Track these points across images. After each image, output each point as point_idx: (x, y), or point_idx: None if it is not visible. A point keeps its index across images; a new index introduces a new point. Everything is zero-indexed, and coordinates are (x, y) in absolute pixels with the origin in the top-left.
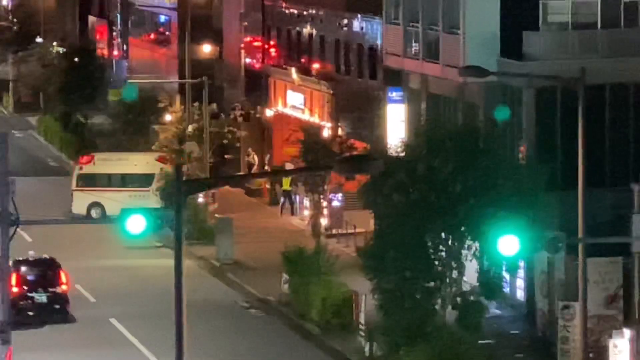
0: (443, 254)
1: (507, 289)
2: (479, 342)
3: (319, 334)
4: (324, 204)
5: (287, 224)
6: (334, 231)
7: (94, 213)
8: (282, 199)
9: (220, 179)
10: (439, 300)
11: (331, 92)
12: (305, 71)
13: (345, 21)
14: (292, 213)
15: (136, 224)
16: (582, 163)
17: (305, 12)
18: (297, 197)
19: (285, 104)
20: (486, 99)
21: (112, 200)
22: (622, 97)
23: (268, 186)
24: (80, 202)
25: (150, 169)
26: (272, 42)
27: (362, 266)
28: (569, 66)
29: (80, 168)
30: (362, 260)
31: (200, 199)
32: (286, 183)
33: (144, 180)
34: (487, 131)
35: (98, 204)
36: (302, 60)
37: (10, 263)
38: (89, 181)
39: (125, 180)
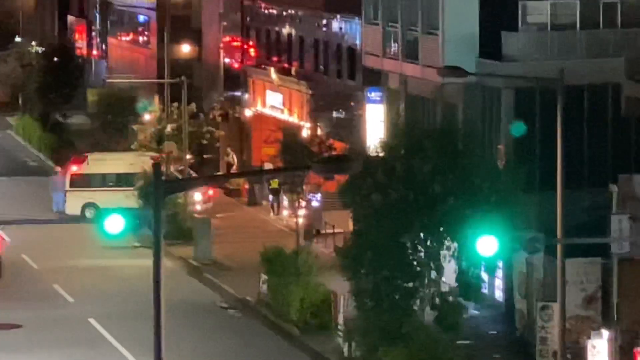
0: (421, 254)
1: (485, 290)
2: (458, 342)
3: (297, 334)
4: (303, 204)
5: (266, 224)
6: (312, 231)
7: (89, 213)
8: (270, 197)
9: (199, 179)
10: (418, 301)
11: (310, 92)
12: (284, 71)
13: (325, 21)
14: (274, 213)
15: (115, 224)
16: (560, 164)
17: (284, 12)
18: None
19: (264, 104)
20: (465, 99)
21: (107, 200)
22: (601, 97)
23: (247, 186)
24: (74, 202)
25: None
26: (251, 42)
27: (341, 266)
28: (548, 67)
29: (74, 168)
30: (341, 261)
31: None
32: (275, 181)
33: None
34: (465, 132)
35: (92, 204)
36: (281, 60)
37: None
38: (83, 181)
39: (120, 180)
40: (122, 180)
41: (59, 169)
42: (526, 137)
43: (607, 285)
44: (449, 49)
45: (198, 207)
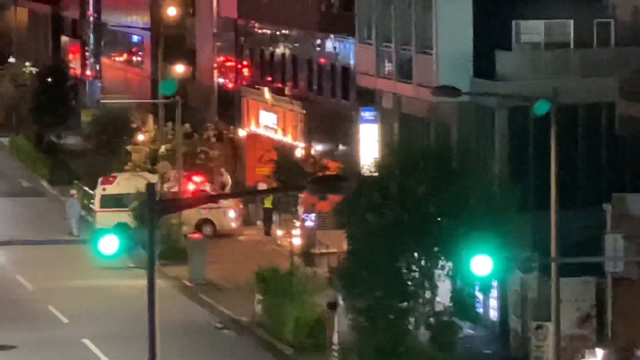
0: (416, 274)
1: (480, 309)
2: None
3: (292, 354)
4: (297, 224)
5: (260, 244)
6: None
7: None
8: (263, 217)
9: (194, 199)
10: (412, 320)
11: (304, 112)
12: (278, 91)
13: (318, 41)
14: (268, 233)
15: (109, 245)
16: (554, 183)
17: (278, 32)
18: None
19: (258, 124)
20: (459, 118)
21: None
22: (595, 117)
23: (241, 206)
24: (105, 223)
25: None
26: (245, 62)
27: (335, 286)
28: (542, 86)
29: (104, 189)
30: (335, 281)
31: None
32: (268, 201)
33: None
34: (460, 151)
35: (124, 224)
36: (275, 80)
37: None
38: (114, 202)
39: None
40: None
41: (74, 192)
42: (520, 157)
43: (602, 304)
44: (442, 69)
45: (233, 225)
